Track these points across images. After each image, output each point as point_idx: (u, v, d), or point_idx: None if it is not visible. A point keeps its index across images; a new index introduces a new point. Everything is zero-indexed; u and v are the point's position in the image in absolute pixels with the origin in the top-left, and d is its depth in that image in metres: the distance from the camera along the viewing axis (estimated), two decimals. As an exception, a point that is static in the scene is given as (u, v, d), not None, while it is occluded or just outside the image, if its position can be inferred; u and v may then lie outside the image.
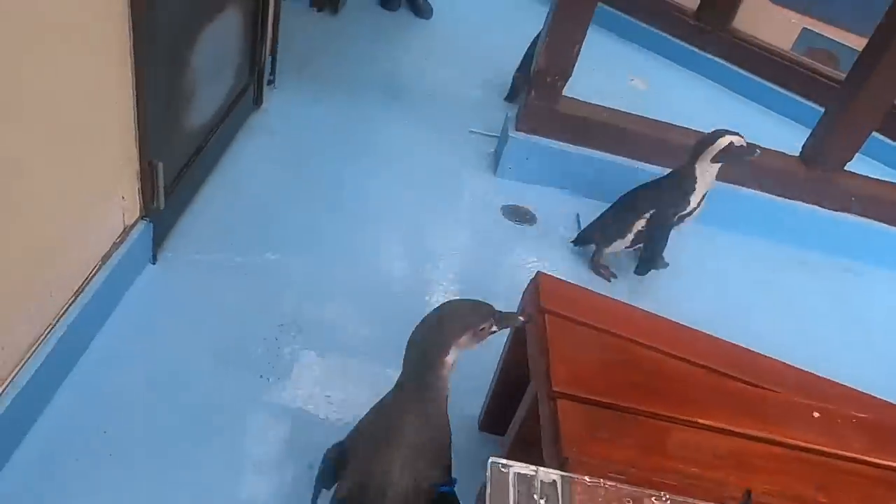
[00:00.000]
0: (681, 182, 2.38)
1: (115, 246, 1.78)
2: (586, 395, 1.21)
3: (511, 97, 3.39)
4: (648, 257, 2.48)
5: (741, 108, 4.07)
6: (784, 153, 2.93)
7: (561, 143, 2.81)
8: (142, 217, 1.87)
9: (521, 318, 1.35)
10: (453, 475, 1.34)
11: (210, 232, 2.18)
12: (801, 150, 2.93)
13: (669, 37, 4.18)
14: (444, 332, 1.28)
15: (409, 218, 2.59)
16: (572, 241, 2.60)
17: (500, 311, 1.30)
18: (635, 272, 2.52)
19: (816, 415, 1.34)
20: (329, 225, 2.43)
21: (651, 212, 2.40)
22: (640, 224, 2.42)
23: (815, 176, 2.86)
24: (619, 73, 3.98)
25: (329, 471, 1.35)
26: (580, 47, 2.62)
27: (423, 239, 2.52)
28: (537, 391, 1.28)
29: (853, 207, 2.91)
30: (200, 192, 2.29)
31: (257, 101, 2.76)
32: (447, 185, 2.82)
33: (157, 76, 1.73)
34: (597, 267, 2.56)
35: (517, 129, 2.80)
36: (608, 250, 2.52)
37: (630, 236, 2.45)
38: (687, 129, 2.87)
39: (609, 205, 2.56)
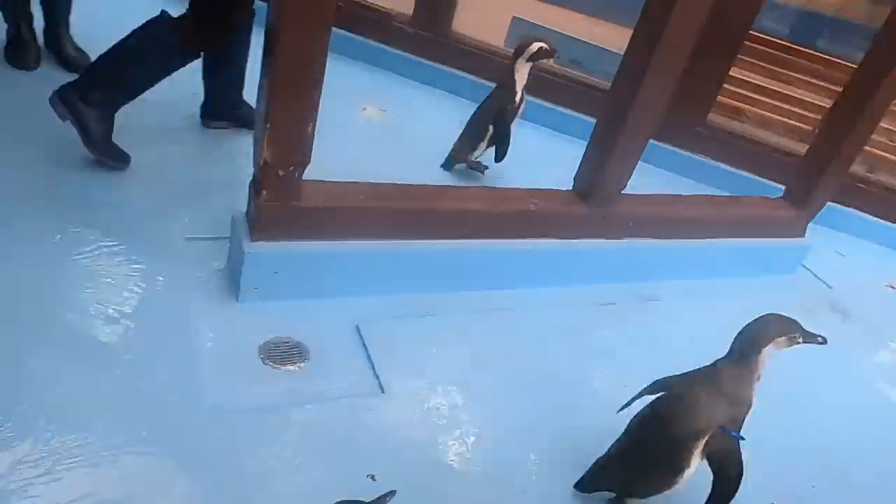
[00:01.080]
0: None
1: None
2: None
3: (448, 166, 3.11)
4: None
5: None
6: (559, 190, 2.63)
7: (315, 243, 2.15)
8: None
9: (819, 338, 1.72)
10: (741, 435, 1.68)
11: None
12: (573, 182, 2.64)
13: (392, 49, 3.67)
14: (769, 330, 1.69)
15: (119, 409, 1.73)
16: None
17: (805, 330, 1.71)
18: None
19: None
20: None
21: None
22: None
23: (594, 209, 2.59)
24: (351, 100, 3.39)
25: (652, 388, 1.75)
26: (314, 125, 1.96)
27: (143, 440, 1.69)
28: None
29: (632, 232, 2.73)
30: None
31: None
32: (172, 336, 1.98)
33: None
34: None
35: (253, 240, 2.07)
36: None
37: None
38: (456, 188, 2.41)
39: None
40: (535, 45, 2.85)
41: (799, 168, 3.12)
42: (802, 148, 3.56)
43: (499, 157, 2.99)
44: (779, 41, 4.06)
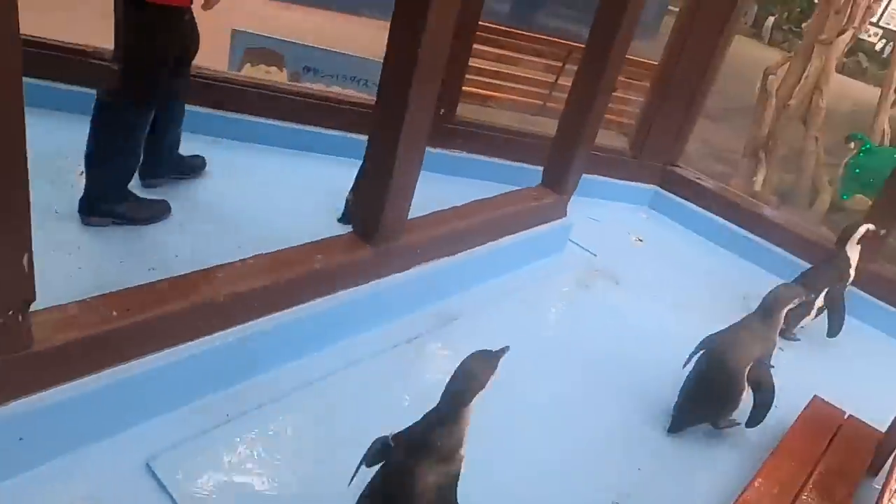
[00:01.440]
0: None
1: None
2: None
3: (345, 220, 2.94)
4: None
5: (222, 150, 3.36)
6: (341, 236, 2.42)
7: (67, 385, 1.70)
8: None
9: (812, 294, 2.63)
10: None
11: None
12: (352, 226, 2.46)
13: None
14: (787, 294, 2.48)
15: None
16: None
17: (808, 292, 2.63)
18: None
19: None
20: None
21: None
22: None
23: (380, 247, 2.44)
24: (61, 167, 2.78)
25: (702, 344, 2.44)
26: (31, 252, 1.51)
27: None
28: None
29: (420, 258, 2.63)
30: None
31: None
32: None
33: None
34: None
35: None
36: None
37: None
38: (230, 265, 2.08)
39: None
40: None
41: (551, 153, 3.26)
42: (540, 122, 3.75)
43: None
44: (500, 27, 4.22)
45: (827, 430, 2.47)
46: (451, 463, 1.54)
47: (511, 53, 4.18)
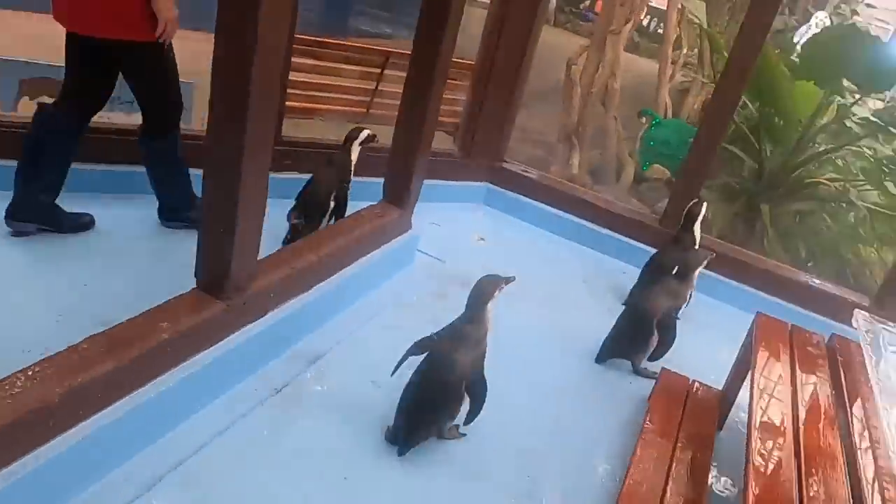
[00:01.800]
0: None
1: None
2: None
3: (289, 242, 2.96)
4: None
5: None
6: (184, 295, 2.18)
7: None
8: None
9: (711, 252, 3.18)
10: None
11: None
12: (196, 277, 2.22)
13: None
14: (696, 260, 3.11)
15: None
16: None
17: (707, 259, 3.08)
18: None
19: None
20: None
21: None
22: None
23: (231, 300, 2.23)
24: None
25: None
26: None
27: None
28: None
29: (275, 301, 2.46)
30: None
31: None
32: None
33: None
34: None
35: None
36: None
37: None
38: (65, 352, 1.79)
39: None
40: (364, 133, 3.28)
41: (389, 167, 3.20)
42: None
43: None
44: (314, 38, 4.05)
45: (678, 399, 2.70)
46: (479, 346, 2.14)
47: (329, 64, 4.04)
